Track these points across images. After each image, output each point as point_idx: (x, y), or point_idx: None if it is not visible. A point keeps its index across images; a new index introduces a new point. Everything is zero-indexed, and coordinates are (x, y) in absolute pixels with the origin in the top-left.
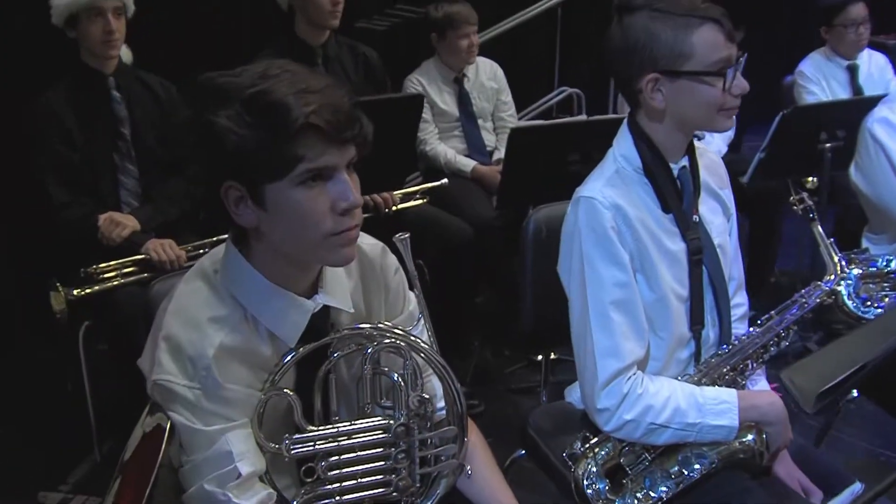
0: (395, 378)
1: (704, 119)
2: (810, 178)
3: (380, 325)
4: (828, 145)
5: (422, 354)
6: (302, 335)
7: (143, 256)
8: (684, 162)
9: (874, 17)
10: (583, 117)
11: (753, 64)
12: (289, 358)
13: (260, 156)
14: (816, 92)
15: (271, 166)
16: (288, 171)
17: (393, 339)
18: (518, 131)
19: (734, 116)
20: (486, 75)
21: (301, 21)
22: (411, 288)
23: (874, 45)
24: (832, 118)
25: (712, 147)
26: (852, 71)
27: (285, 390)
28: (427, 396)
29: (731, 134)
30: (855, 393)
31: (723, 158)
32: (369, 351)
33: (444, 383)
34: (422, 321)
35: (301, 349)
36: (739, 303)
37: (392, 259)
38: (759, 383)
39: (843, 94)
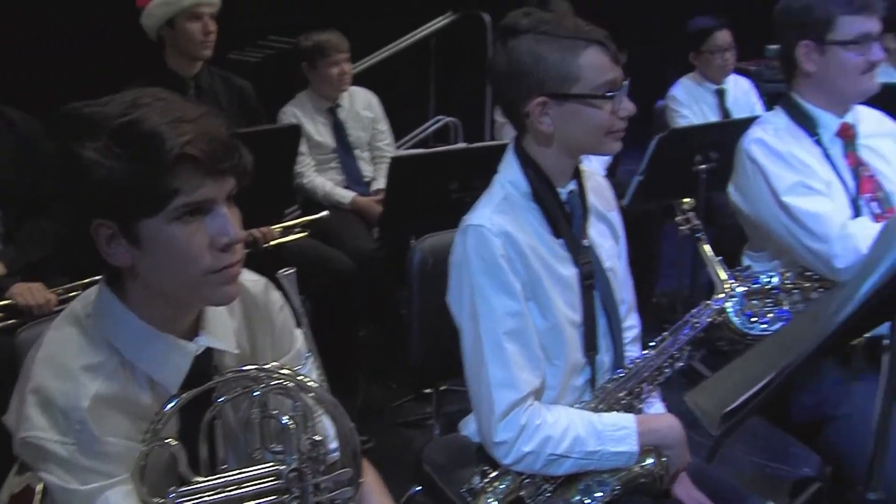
0: (285, 421)
1: (593, 142)
2: (687, 199)
3: (266, 367)
4: (702, 167)
5: (311, 394)
6: (184, 380)
7: (8, 302)
8: (572, 186)
9: (738, 44)
10: (462, 145)
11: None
12: (170, 405)
13: (131, 190)
14: (688, 115)
15: (144, 201)
16: (163, 206)
17: (280, 381)
18: (399, 161)
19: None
20: (362, 105)
21: (171, 52)
22: (298, 325)
23: (739, 71)
24: (705, 140)
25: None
26: (720, 95)
27: (168, 440)
28: (319, 438)
29: (608, 158)
30: None
31: None
32: (256, 394)
33: (337, 423)
34: (310, 359)
35: (184, 395)
36: (632, 325)
37: (276, 295)
38: (655, 405)
39: (713, 117)
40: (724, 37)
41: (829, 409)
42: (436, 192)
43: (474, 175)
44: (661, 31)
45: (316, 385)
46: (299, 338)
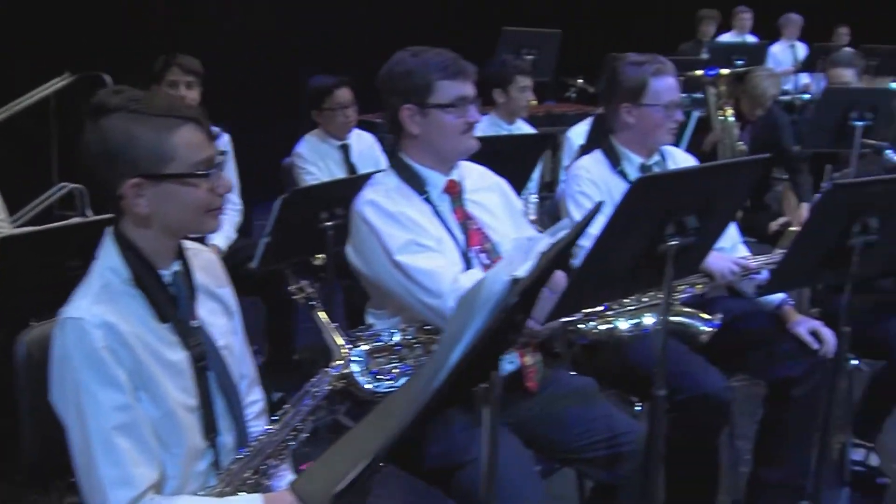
0: None
1: (192, 221)
2: (319, 255)
3: None
4: (329, 223)
5: None
6: None
7: None
8: (177, 266)
9: (360, 98)
10: (79, 219)
11: (253, 146)
12: None
13: None
14: (314, 172)
15: None
16: None
17: None
18: (8, 241)
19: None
20: None
21: None
22: None
23: (363, 125)
24: (331, 197)
25: (221, 234)
26: (345, 150)
27: None
28: None
29: (238, 218)
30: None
31: (233, 245)
32: None
33: None
34: None
35: None
36: (255, 399)
37: None
38: (286, 479)
39: (340, 172)
40: (344, 94)
41: (457, 456)
42: (53, 270)
43: (95, 249)
44: (281, 91)
45: None
46: None
